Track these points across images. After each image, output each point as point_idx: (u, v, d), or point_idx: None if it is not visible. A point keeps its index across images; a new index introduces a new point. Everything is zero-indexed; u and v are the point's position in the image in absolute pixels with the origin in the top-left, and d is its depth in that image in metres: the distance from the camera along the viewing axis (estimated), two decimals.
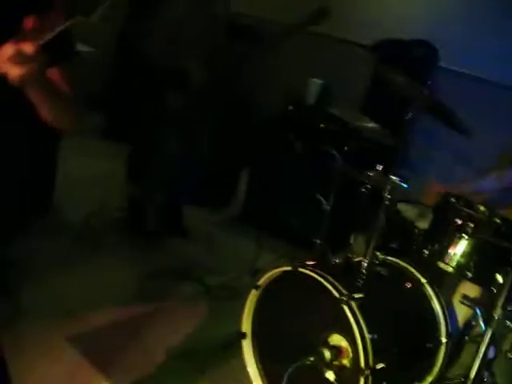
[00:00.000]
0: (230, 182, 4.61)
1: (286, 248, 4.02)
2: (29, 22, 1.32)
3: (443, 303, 2.48)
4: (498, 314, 2.18)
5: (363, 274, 2.44)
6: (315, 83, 4.61)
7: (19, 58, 1.31)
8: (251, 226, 4.21)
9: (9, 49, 1.30)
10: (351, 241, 2.91)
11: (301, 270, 2.36)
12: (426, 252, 2.50)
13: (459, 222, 2.39)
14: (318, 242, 3.20)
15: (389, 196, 2.48)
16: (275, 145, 4.25)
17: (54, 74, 1.58)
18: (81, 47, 1.68)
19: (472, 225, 2.35)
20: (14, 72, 1.33)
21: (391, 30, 4.57)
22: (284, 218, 4.20)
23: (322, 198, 3.26)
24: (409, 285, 2.55)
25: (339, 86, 4.67)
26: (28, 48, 1.30)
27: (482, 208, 2.39)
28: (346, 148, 3.33)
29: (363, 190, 2.87)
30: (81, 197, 4.09)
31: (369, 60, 4.49)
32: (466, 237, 2.37)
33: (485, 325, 2.26)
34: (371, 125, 3.19)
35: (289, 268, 2.40)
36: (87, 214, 3.83)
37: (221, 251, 3.95)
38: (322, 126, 4.05)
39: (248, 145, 4.58)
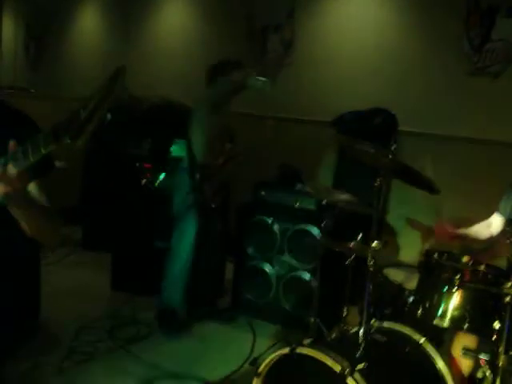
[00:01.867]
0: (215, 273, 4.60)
1: (281, 331, 3.98)
2: (11, 146, 1.40)
3: (446, 360, 2.47)
4: (502, 361, 2.17)
5: (361, 344, 2.42)
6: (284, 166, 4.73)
7: (4, 179, 1.41)
8: (242, 314, 4.20)
9: None
10: (344, 313, 2.90)
11: (299, 350, 2.34)
12: (419, 312, 2.50)
13: (446, 275, 2.42)
14: (312, 319, 3.19)
15: (372, 263, 2.50)
16: (254, 230, 4.28)
17: (32, 188, 1.64)
18: (56, 163, 1.74)
19: (458, 277, 2.38)
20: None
21: (349, 103, 4.78)
22: (274, 301, 4.18)
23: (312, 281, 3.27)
24: (408, 347, 2.53)
25: (308, 163, 4.80)
26: (12, 170, 1.40)
27: (465, 258, 2.42)
28: (323, 224, 3.39)
29: (347, 262, 2.89)
30: (67, 309, 4.06)
31: (332, 134, 4.64)
32: (455, 289, 2.39)
33: (492, 375, 2.25)
34: (343, 197, 3.26)
35: (286, 351, 2.38)
36: (77, 328, 3.79)
37: (216, 344, 3.88)
38: (296, 205, 4.12)
39: (228, 233, 4.61)
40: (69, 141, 1.29)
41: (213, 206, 4.02)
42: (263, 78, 3.92)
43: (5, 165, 1.41)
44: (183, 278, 3.97)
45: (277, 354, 2.42)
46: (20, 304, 2.13)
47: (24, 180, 1.46)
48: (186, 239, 3.96)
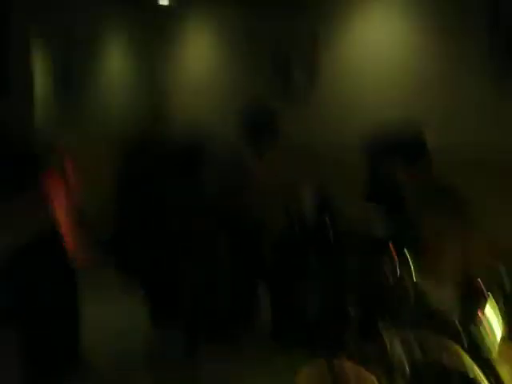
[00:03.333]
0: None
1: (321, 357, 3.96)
2: None
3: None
4: None
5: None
6: (311, 193, 4.73)
7: None
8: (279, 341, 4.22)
9: None
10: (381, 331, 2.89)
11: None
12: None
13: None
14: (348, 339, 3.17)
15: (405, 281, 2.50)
16: (289, 262, 4.32)
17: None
18: None
19: None
20: None
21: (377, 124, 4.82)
22: (312, 328, 4.17)
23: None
24: None
25: (340, 186, 4.81)
26: None
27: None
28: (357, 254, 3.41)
29: (381, 281, 2.89)
30: (106, 345, 4.12)
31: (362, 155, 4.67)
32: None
33: None
34: (375, 224, 3.31)
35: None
36: (115, 359, 3.85)
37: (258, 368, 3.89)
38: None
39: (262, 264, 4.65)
40: None
41: None
42: None
43: None
44: None
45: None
46: (61, 341, 2.20)
47: None
48: None
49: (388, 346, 2.49)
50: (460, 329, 2.41)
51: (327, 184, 4.69)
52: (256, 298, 4.66)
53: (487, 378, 2.22)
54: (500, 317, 2.36)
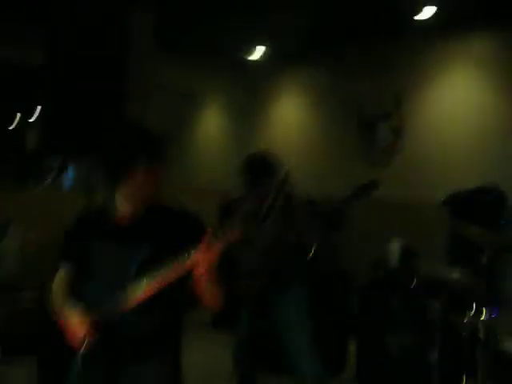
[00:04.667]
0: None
1: None
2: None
3: None
4: None
5: None
6: (396, 245, 4.98)
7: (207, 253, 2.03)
8: None
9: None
10: None
11: None
12: None
13: None
14: None
15: (486, 337, 2.69)
16: (375, 312, 4.54)
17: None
18: None
19: None
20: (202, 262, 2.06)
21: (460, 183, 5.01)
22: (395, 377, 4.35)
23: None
24: None
25: (418, 242, 5.03)
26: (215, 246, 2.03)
27: None
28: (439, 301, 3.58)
29: (464, 334, 3.06)
30: None
31: (443, 214, 4.86)
32: None
33: None
34: (457, 275, 3.46)
35: None
36: None
37: None
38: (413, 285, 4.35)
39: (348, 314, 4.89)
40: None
41: None
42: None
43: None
44: None
45: None
46: None
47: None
48: None
49: None
50: None
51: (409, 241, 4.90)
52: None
53: None
54: None
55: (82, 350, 2.30)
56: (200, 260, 2.09)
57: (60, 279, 2.59)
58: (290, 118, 7.20)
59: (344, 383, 4.66)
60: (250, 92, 7.56)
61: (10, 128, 7.38)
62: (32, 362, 4.12)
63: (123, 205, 2.43)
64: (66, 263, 2.58)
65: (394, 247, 5.00)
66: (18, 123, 7.38)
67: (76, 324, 2.31)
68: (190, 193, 7.19)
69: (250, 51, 6.89)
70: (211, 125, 8.45)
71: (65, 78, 3.70)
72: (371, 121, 6.13)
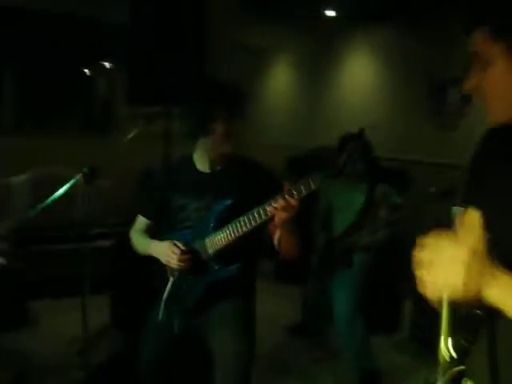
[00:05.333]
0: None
1: None
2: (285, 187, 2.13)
3: None
4: None
5: None
6: (460, 209, 4.95)
7: (286, 208, 2.09)
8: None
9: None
10: None
11: None
12: None
13: None
14: None
15: None
16: None
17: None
18: None
19: None
20: (280, 215, 2.12)
21: None
22: None
23: None
24: None
25: None
26: (293, 202, 2.09)
27: None
28: None
29: None
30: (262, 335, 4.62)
31: None
32: None
33: None
34: None
35: None
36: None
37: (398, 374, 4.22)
38: None
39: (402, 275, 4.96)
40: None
41: None
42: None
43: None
44: None
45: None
46: None
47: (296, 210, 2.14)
48: None
49: None
50: None
51: None
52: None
53: None
54: None
55: (174, 275, 2.51)
56: (280, 211, 2.15)
57: (141, 225, 2.76)
58: (360, 78, 7.18)
59: (398, 343, 4.76)
60: (323, 49, 7.56)
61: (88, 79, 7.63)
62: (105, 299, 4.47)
63: (203, 156, 2.55)
64: (147, 212, 2.75)
65: (458, 211, 4.98)
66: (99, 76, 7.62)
67: (169, 253, 2.47)
68: (258, 147, 7.36)
69: (326, 7, 6.87)
70: (281, 80, 8.50)
71: (147, 36, 3.85)
72: (441, 85, 6.07)
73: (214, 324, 2.53)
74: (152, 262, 2.65)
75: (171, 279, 2.53)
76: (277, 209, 2.15)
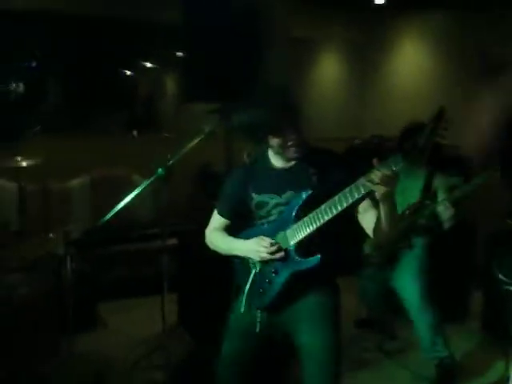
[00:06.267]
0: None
1: None
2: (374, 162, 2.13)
3: None
4: None
5: None
6: None
7: (386, 180, 2.09)
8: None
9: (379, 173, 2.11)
10: None
11: None
12: None
13: None
14: None
15: None
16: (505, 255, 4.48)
17: None
18: None
19: None
20: (380, 189, 2.12)
21: None
22: None
23: None
24: None
25: None
26: (391, 174, 2.09)
27: None
28: None
29: None
30: None
31: None
32: None
33: None
34: None
35: None
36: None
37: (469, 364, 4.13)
38: None
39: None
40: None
41: None
42: None
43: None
44: None
45: None
46: None
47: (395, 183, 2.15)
48: None
49: None
50: None
51: None
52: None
53: None
54: None
55: (256, 268, 2.54)
56: (381, 184, 2.16)
57: (219, 224, 2.77)
58: (411, 64, 7.08)
59: (467, 332, 4.66)
60: (371, 37, 7.49)
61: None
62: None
63: (274, 157, 2.57)
64: (226, 212, 2.75)
65: None
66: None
67: (259, 248, 2.48)
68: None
69: None
70: (329, 70, 8.44)
71: (201, 35, 3.86)
72: (494, 68, 5.95)
73: (300, 317, 2.53)
74: (225, 260, 2.67)
75: (253, 271, 2.54)
76: (374, 183, 2.16)
